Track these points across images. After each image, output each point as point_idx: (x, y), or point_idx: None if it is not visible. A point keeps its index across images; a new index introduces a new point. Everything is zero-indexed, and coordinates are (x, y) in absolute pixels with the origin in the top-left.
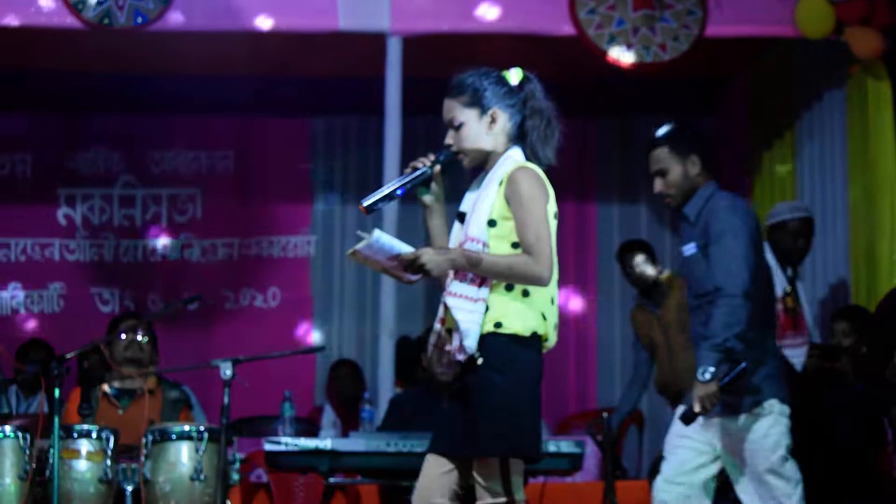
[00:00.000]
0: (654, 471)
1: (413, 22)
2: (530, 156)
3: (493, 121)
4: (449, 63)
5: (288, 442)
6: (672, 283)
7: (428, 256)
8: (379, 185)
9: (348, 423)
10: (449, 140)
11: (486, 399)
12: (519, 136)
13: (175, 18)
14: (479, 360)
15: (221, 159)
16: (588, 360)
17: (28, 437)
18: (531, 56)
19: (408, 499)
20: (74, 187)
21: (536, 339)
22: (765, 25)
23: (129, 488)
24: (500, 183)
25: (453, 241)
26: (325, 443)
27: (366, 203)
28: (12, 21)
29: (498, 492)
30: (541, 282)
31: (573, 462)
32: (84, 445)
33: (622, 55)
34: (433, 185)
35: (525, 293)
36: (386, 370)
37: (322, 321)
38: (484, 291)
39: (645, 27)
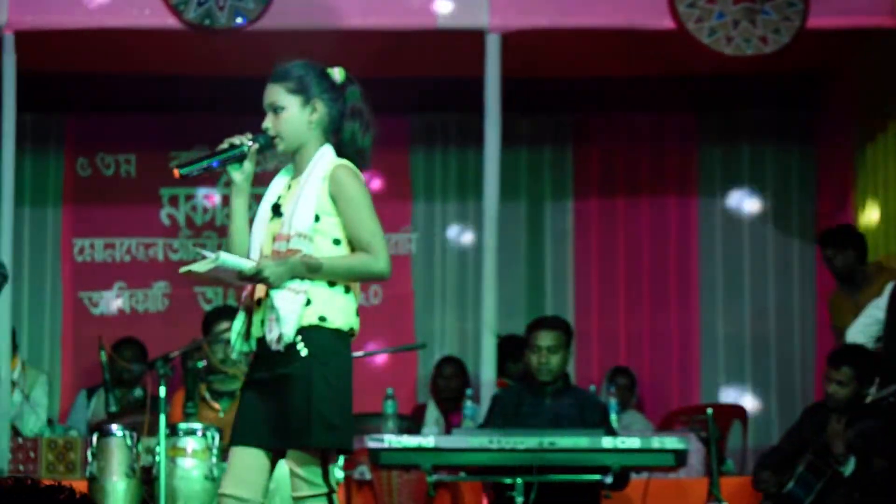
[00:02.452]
0: (760, 466)
1: (512, 18)
2: (342, 155)
3: (314, 111)
4: (548, 59)
5: (391, 439)
6: (877, 269)
7: (269, 270)
8: (479, 184)
9: (451, 421)
10: (267, 123)
11: (314, 390)
12: (332, 133)
13: (273, 18)
14: (304, 352)
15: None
16: (691, 354)
17: (135, 435)
18: (630, 51)
19: (511, 496)
20: (177, 187)
21: (352, 334)
22: (867, 16)
23: None
24: (324, 179)
25: (267, 233)
26: (428, 440)
27: (182, 171)
28: (114, 23)
29: (318, 483)
30: (383, 277)
31: (678, 458)
32: (190, 443)
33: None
34: (246, 164)
35: (347, 289)
36: (488, 367)
37: (424, 318)
38: (306, 283)
39: (745, 20)
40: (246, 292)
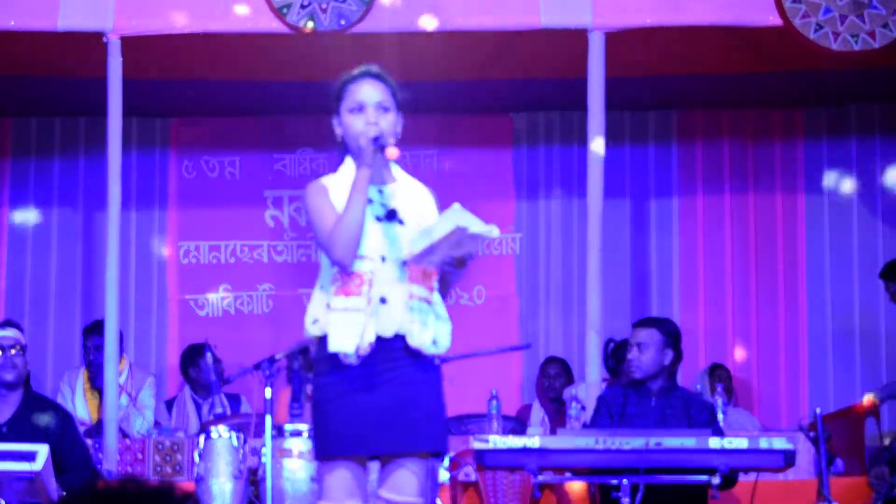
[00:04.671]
0: (874, 463)
1: (615, 17)
2: None
3: (398, 122)
4: (652, 57)
5: (496, 440)
6: None
7: None
8: (582, 183)
9: (556, 421)
10: (374, 119)
11: (444, 400)
12: None
13: (376, 20)
14: (437, 361)
15: (425, 158)
16: (799, 350)
17: (241, 437)
18: (735, 47)
19: (617, 497)
20: (281, 189)
21: None
22: None
23: None
24: (428, 196)
25: (382, 235)
26: (532, 440)
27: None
28: (218, 27)
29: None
30: None
31: (786, 458)
32: (296, 445)
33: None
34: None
35: None
36: (593, 367)
37: (528, 318)
38: None
39: (853, 15)
40: (360, 288)
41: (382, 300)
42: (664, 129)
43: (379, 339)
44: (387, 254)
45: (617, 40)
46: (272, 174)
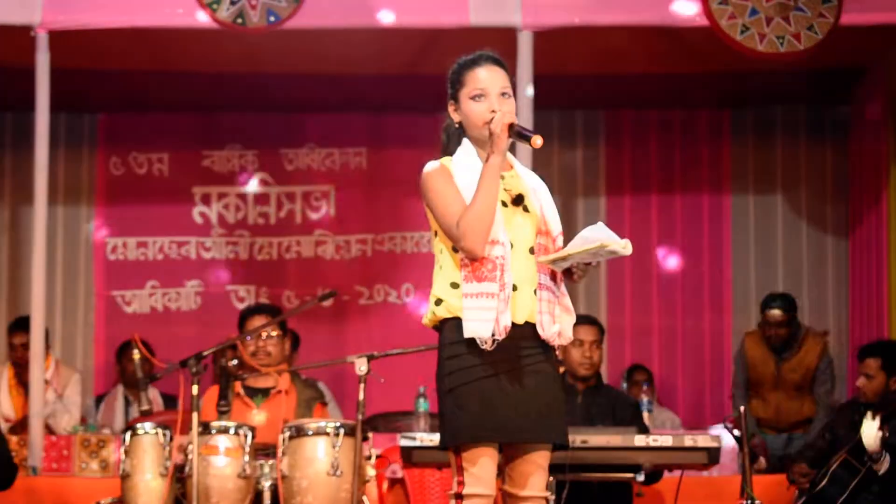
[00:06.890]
0: (795, 460)
1: (544, 16)
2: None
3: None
4: (580, 56)
5: (423, 437)
6: (805, 340)
7: None
8: None
9: None
10: (497, 106)
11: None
12: None
13: (306, 17)
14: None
15: (354, 156)
16: (724, 351)
17: (168, 433)
18: (662, 48)
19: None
20: (210, 185)
21: None
22: None
23: (267, 484)
24: (544, 185)
25: (506, 222)
26: None
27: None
28: (147, 22)
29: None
30: None
31: (710, 456)
32: (223, 442)
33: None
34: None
35: None
36: None
37: None
38: None
39: (779, 16)
40: (493, 273)
41: (513, 287)
42: (591, 129)
43: (511, 325)
44: (515, 240)
45: (545, 40)
46: (200, 171)
